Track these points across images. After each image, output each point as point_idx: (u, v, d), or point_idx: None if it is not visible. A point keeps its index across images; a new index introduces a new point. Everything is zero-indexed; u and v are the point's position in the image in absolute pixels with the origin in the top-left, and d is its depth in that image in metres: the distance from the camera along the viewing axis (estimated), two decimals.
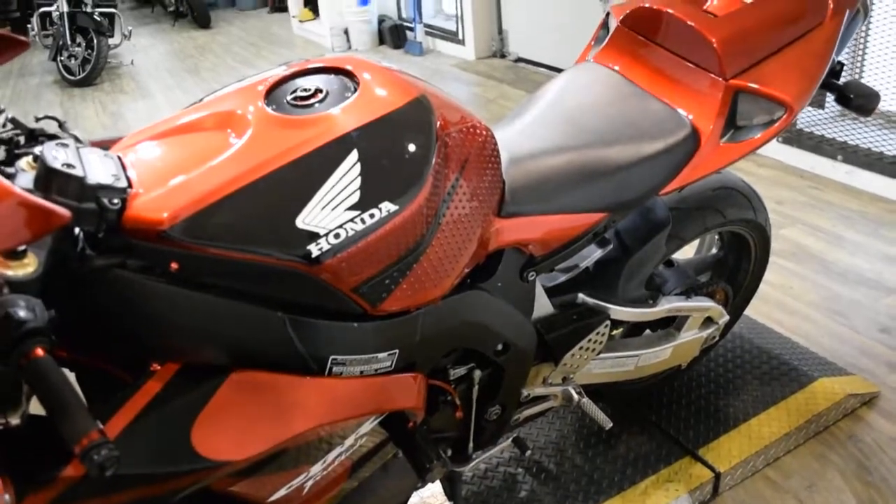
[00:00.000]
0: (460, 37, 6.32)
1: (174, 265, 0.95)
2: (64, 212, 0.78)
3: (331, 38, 7.23)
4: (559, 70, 5.47)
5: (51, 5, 6.76)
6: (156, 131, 1.09)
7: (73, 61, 6.70)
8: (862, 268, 2.76)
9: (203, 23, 9.15)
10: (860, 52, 3.33)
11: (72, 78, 6.73)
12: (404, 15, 7.15)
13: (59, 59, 6.74)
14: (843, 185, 3.39)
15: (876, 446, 1.97)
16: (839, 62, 1.59)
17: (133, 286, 0.94)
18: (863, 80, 3.34)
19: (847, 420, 2.06)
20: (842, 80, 1.59)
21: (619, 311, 1.57)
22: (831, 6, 1.49)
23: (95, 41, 6.60)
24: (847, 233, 3.01)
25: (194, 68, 7.10)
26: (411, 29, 6.82)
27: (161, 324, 0.96)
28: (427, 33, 6.76)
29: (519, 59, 5.98)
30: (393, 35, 6.99)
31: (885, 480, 1.86)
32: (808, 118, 3.53)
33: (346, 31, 7.20)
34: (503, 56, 6.17)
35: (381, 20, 7.17)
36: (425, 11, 6.74)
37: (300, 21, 8.11)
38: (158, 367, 0.98)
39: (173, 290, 0.96)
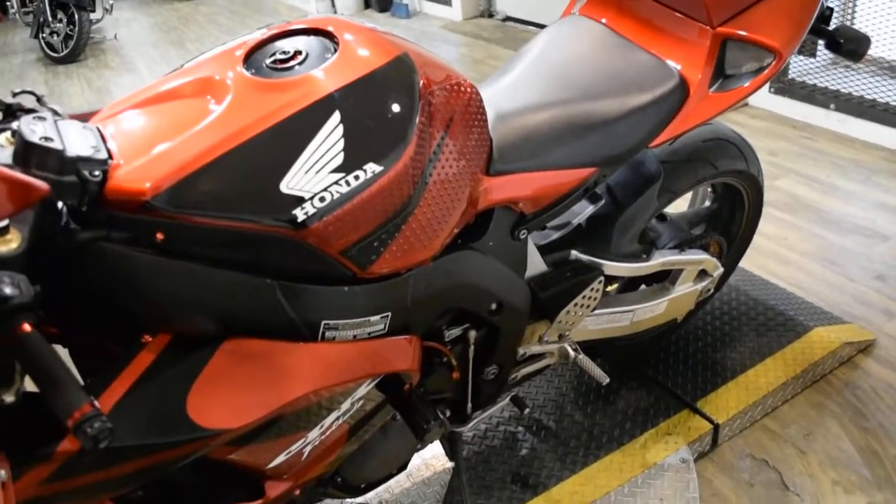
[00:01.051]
0: None
1: (159, 235, 0.94)
2: (42, 184, 0.77)
3: (315, 4, 7.14)
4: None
5: None
6: (135, 101, 1.07)
7: (55, 38, 6.59)
8: (856, 216, 2.76)
9: None
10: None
11: (55, 55, 6.63)
12: None
13: (40, 36, 6.63)
14: (835, 134, 3.37)
15: (872, 393, 1.98)
16: (828, 7, 1.56)
17: (119, 258, 0.93)
18: (854, 26, 3.31)
19: (844, 368, 2.08)
20: (832, 25, 1.57)
21: (612, 267, 1.56)
22: None
23: (77, 16, 6.48)
24: (840, 181, 3.00)
25: (178, 40, 7.00)
26: None
27: (149, 295, 0.96)
28: None
29: (507, 18, 5.90)
30: None
31: (882, 426, 1.88)
32: (799, 67, 3.49)
33: None
34: (491, 16, 6.09)
35: None
36: None
37: None
38: (150, 339, 0.98)
39: (160, 261, 0.95)
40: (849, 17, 3.33)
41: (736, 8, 1.39)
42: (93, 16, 6.78)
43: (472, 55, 5.27)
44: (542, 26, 5.40)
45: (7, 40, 7.65)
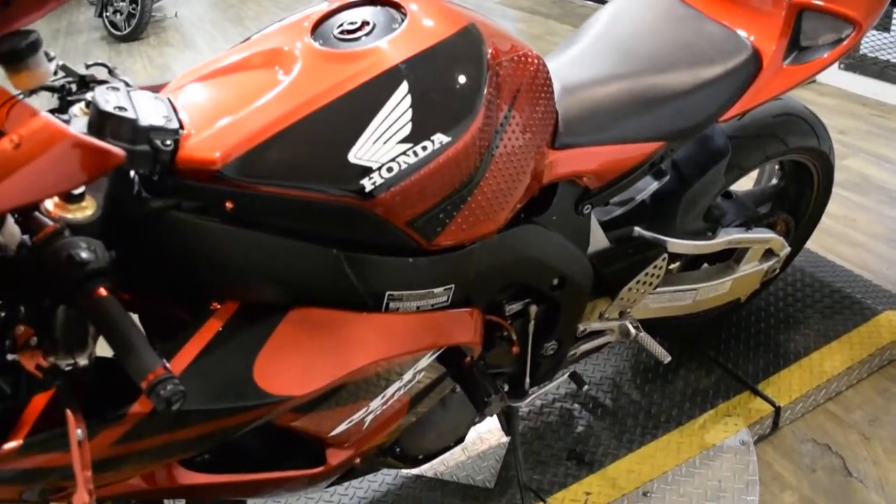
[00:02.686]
0: None
1: (229, 204, 0.95)
2: (119, 151, 0.78)
3: None
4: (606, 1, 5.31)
5: None
6: (204, 72, 1.08)
7: (118, 17, 6.72)
8: None
9: None
10: None
11: (118, 33, 6.77)
12: None
13: (104, 15, 6.77)
14: None
15: None
16: None
17: (189, 227, 0.95)
18: None
19: None
20: None
21: (676, 245, 1.53)
22: None
23: None
24: None
25: (237, 18, 7.07)
26: None
27: (218, 263, 0.97)
28: None
29: None
30: None
31: None
32: (872, 42, 3.36)
33: None
34: None
35: None
36: None
37: None
38: (218, 307, 0.99)
39: (229, 230, 0.96)
40: None
41: None
42: None
43: (529, 31, 5.21)
44: (600, 1, 5.31)
45: (72, 19, 7.83)
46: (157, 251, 0.97)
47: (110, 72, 1.12)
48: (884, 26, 3.26)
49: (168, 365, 0.77)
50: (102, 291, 0.80)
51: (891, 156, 2.94)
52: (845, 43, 1.37)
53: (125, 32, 6.73)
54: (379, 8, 1.12)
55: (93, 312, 0.80)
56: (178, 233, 0.95)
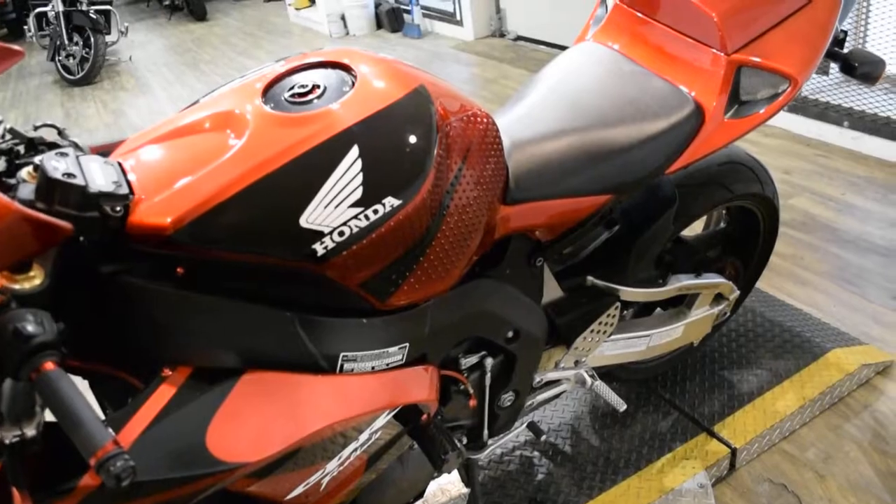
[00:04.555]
0: (458, 17, 6.27)
1: (180, 269, 0.95)
2: (66, 225, 0.78)
3: (328, 25, 7.19)
4: (559, 47, 5.43)
5: (46, 5, 6.73)
6: (155, 135, 1.08)
7: (71, 60, 6.68)
8: (873, 235, 2.74)
9: (199, 15, 9.09)
10: (863, 18, 3.29)
11: (71, 77, 6.72)
12: None
13: (57, 58, 6.72)
14: (850, 152, 3.36)
15: (892, 415, 1.96)
16: (843, 31, 1.56)
17: (140, 292, 0.94)
18: (867, 47, 3.30)
19: (862, 390, 2.06)
20: (846, 49, 1.57)
21: (629, 292, 1.56)
22: None
23: (92, 39, 6.58)
24: (856, 200, 2.98)
25: (193, 62, 7.07)
26: (408, 12, 6.77)
27: (170, 328, 0.96)
28: (424, 15, 6.71)
29: (518, 38, 5.93)
30: (390, 18, 6.93)
31: None
32: (812, 85, 3.49)
33: (342, 17, 7.15)
34: (502, 35, 6.12)
35: (377, 4, 7.11)
36: None
37: (296, 9, 8.05)
38: (170, 372, 0.98)
39: (180, 294, 0.96)
40: (861, 37, 3.32)
41: (750, 34, 1.39)
42: (108, 38, 6.88)
43: (484, 75, 5.30)
44: (553, 45, 5.43)
45: (24, 63, 7.75)
46: (107, 316, 0.96)
47: (60, 133, 1.11)
48: (823, 70, 3.39)
49: (117, 439, 0.76)
50: (50, 365, 0.78)
51: (834, 195, 3.04)
52: (782, 98, 1.43)
53: (78, 76, 6.68)
54: (330, 70, 1.13)
55: (39, 387, 0.79)
56: (128, 298, 0.94)
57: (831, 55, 1.54)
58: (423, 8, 6.68)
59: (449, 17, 6.42)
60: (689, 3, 1.41)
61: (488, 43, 6.07)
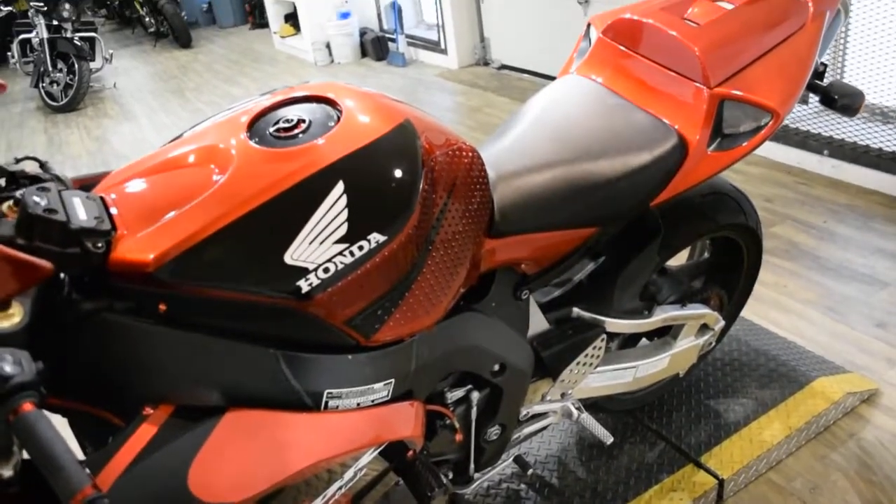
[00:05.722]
0: (442, 46, 6.32)
1: (162, 306, 0.94)
2: (46, 264, 0.77)
3: (313, 53, 7.22)
4: (543, 76, 5.48)
5: (30, 32, 6.73)
6: (138, 169, 1.07)
7: (55, 87, 6.67)
8: (855, 262, 2.76)
9: (184, 42, 9.12)
10: (841, 51, 3.34)
11: (55, 104, 6.70)
12: (385, 27, 7.15)
13: (41, 85, 6.70)
14: (830, 180, 3.40)
15: (878, 444, 1.96)
16: (822, 63, 1.58)
17: (121, 329, 0.93)
18: (845, 78, 3.35)
19: (847, 419, 2.06)
20: (825, 81, 1.59)
21: (614, 324, 1.56)
22: (812, 9, 1.49)
23: (77, 66, 6.58)
24: (838, 227, 3.01)
25: (178, 89, 7.07)
26: (393, 40, 6.82)
27: (151, 366, 0.95)
28: (409, 44, 6.76)
29: (502, 67, 5.98)
30: (375, 47, 6.98)
31: (889, 478, 1.86)
32: (793, 114, 3.53)
33: (327, 45, 7.20)
34: (486, 64, 6.17)
35: (362, 32, 7.16)
36: (406, 22, 6.74)
37: (281, 37, 8.10)
38: (152, 411, 0.96)
39: (163, 332, 0.94)
40: (839, 69, 3.38)
41: (733, 68, 1.41)
42: (92, 65, 6.89)
43: (468, 103, 5.33)
44: (537, 74, 5.48)
45: (7, 89, 7.72)
46: (87, 354, 0.94)
47: (42, 165, 1.10)
48: (803, 100, 3.43)
49: (97, 481, 0.74)
50: (28, 406, 0.77)
51: (816, 222, 3.07)
52: (764, 131, 1.44)
53: (62, 103, 6.67)
54: (315, 105, 1.13)
55: (17, 429, 0.77)
56: (109, 335, 0.93)
57: (812, 87, 1.56)
58: (408, 37, 6.74)
59: (433, 46, 6.47)
60: (672, 38, 1.43)
61: (473, 71, 6.12)
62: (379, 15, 7.18)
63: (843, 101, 1.54)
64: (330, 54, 7.22)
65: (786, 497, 1.84)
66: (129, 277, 0.92)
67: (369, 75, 6.54)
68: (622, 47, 1.55)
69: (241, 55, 8.30)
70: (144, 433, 0.94)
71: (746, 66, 1.42)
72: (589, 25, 1.64)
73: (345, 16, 7.03)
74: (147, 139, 5.58)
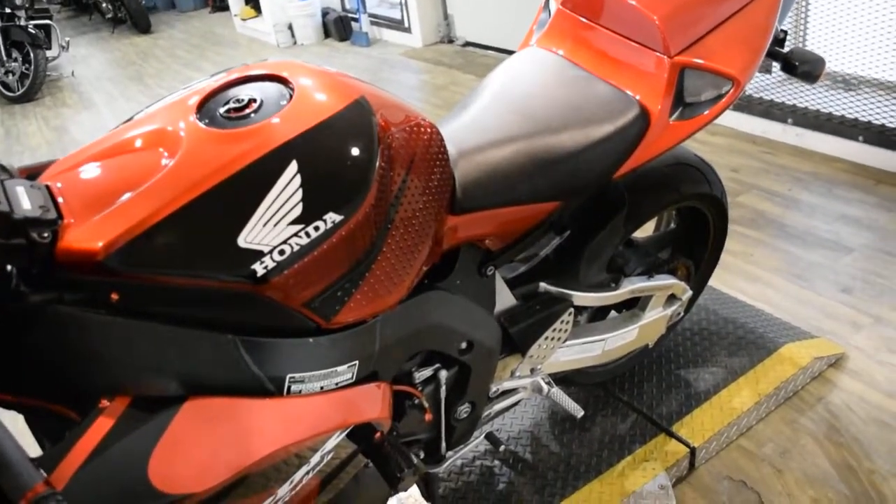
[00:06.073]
0: (406, 24, 6.26)
1: (114, 296, 0.91)
2: None
3: (275, 35, 7.12)
4: (508, 51, 5.44)
5: None
6: (85, 155, 1.03)
7: (10, 77, 6.50)
8: (820, 229, 2.79)
9: (143, 27, 8.93)
10: (802, 18, 3.36)
11: (11, 94, 6.53)
12: (348, 6, 7.06)
13: None
14: (794, 148, 3.42)
15: (845, 407, 1.99)
16: (783, 30, 1.58)
17: (73, 321, 0.90)
18: (806, 46, 3.37)
19: (815, 383, 2.09)
20: (786, 48, 1.59)
21: (582, 297, 1.55)
22: None
23: (32, 55, 6.41)
24: (802, 195, 3.04)
25: (137, 75, 6.93)
26: (356, 20, 6.74)
27: (106, 357, 0.92)
28: (372, 23, 6.68)
29: (467, 44, 5.94)
30: (338, 27, 6.89)
31: (857, 440, 1.89)
32: (756, 84, 3.55)
33: (290, 27, 7.09)
34: (451, 41, 6.13)
35: (324, 13, 7.06)
36: (369, 1, 6.66)
37: (242, 19, 7.96)
38: (108, 403, 0.94)
39: (116, 321, 0.91)
40: (801, 36, 3.39)
41: (692, 37, 1.40)
42: (49, 53, 6.72)
43: (434, 81, 5.29)
44: (501, 50, 5.46)
45: None
46: (39, 347, 0.91)
47: None
48: (766, 69, 3.45)
49: (51, 479, 0.72)
50: None
51: (781, 191, 3.09)
52: (725, 99, 1.43)
53: (19, 93, 6.51)
54: (266, 83, 1.10)
55: None
56: (60, 327, 0.90)
57: (772, 55, 1.56)
58: (371, 16, 6.66)
59: (397, 25, 6.41)
60: (631, 7, 1.41)
61: (437, 49, 6.07)
62: None
63: (803, 67, 1.54)
64: (292, 36, 7.12)
65: (757, 462, 1.86)
66: (79, 267, 0.89)
67: (333, 56, 6.46)
68: (582, 18, 1.53)
69: (202, 39, 8.16)
70: (101, 426, 0.92)
71: (706, 35, 1.41)
72: None
73: None
74: (107, 127, 5.43)
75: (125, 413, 0.93)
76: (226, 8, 8.85)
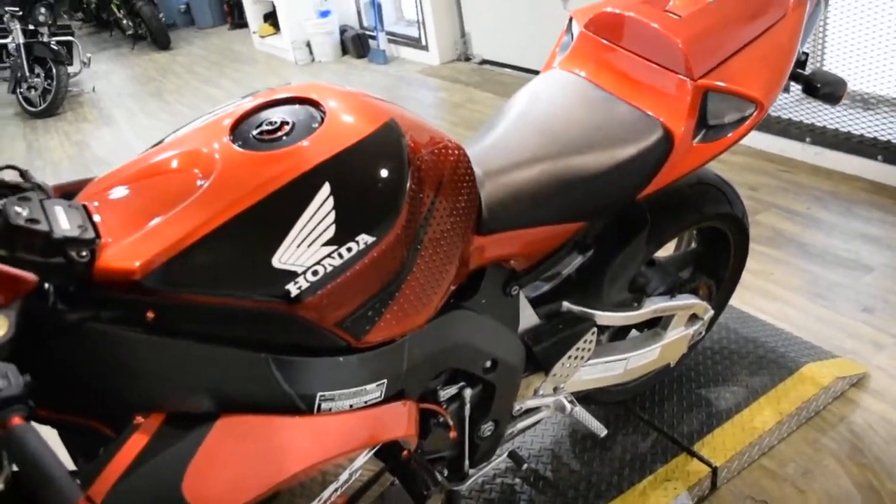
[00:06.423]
0: (423, 42, 6.31)
1: (150, 314, 0.93)
2: (30, 276, 0.76)
3: (293, 52, 7.19)
4: (525, 70, 5.47)
5: (6, 37, 6.65)
6: (121, 176, 1.06)
7: (32, 92, 6.59)
8: (839, 248, 2.78)
9: (163, 44, 9.04)
10: (820, 39, 3.36)
11: (33, 109, 6.62)
12: (365, 24, 7.12)
13: (18, 91, 6.63)
14: (813, 167, 3.42)
15: (868, 427, 1.98)
16: (804, 52, 1.59)
17: (109, 339, 0.92)
18: (825, 66, 3.37)
19: (837, 403, 2.07)
20: (808, 70, 1.60)
21: (604, 317, 1.56)
22: None
23: (54, 71, 6.51)
24: (821, 214, 3.03)
25: (157, 91, 7.01)
26: (374, 37, 6.80)
27: (141, 375, 0.94)
28: (390, 41, 6.74)
29: (484, 62, 5.97)
30: (356, 45, 6.95)
31: (879, 460, 1.88)
32: (774, 103, 3.54)
33: (308, 44, 7.16)
34: (468, 59, 6.16)
35: (342, 30, 7.13)
36: (386, 19, 6.72)
37: (261, 36, 8.05)
38: (142, 420, 0.96)
39: (151, 340, 0.93)
40: (819, 55, 3.39)
41: (715, 60, 1.41)
42: (70, 69, 6.82)
43: (451, 99, 5.32)
44: (518, 68, 5.48)
45: None
46: (76, 364, 0.93)
47: (22, 175, 1.08)
48: (784, 88, 3.44)
49: (91, 493, 0.74)
50: (16, 420, 0.76)
51: (800, 209, 3.09)
52: (749, 121, 1.44)
53: (41, 108, 6.60)
54: (298, 106, 1.12)
55: (6, 443, 0.76)
56: (97, 345, 0.92)
57: (794, 77, 1.57)
58: (389, 34, 6.71)
59: (414, 43, 6.46)
60: (654, 30, 1.43)
61: (454, 67, 6.11)
62: (359, 12, 7.15)
63: (825, 89, 1.55)
64: (310, 53, 7.19)
65: (779, 482, 1.85)
66: (116, 286, 0.91)
67: (351, 73, 6.51)
68: (605, 41, 1.55)
69: (221, 56, 8.25)
70: (136, 443, 0.93)
71: (729, 57, 1.42)
72: (571, 19, 1.64)
73: (324, 14, 7.00)
74: (128, 143, 5.54)
75: (159, 430, 0.95)
76: (244, 25, 8.94)
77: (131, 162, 1.09)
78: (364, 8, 7.04)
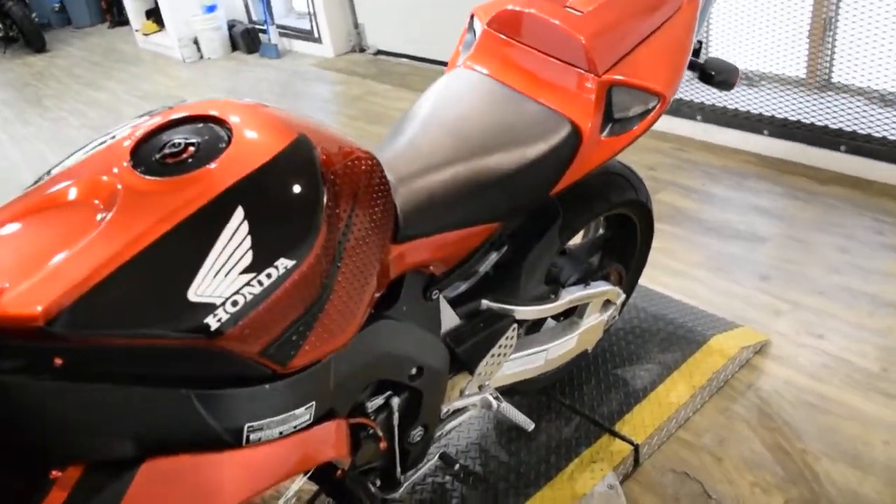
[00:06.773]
0: (316, 35, 6.19)
1: (58, 360, 0.86)
2: None
3: (180, 50, 6.92)
4: (420, 59, 5.45)
5: None
6: (11, 212, 0.98)
7: None
8: (734, 221, 2.91)
9: (38, 46, 8.52)
10: (704, 26, 3.49)
11: None
12: (255, 18, 6.93)
13: None
14: (703, 143, 3.56)
15: (773, 392, 2.09)
16: (698, 41, 1.64)
17: (14, 390, 0.85)
18: (710, 47, 3.51)
19: (744, 371, 2.17)
20: (701, 58, 1.65)
21: (524, 311, 1.57)
22: None
23: None
24: (716, 189, 3.16)
25: (35, 97, 6.61)
26: (264, 31, 6.62)
27: (53, 425, 0.88)
28: (281, 34, 6.58)
29: (379, 52, 5.92)
30: (245, 40, 6.75)
31: (787, 423, 1.98)
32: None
33: (195, 41, 6.91)
34: (363, 50, 6.09)
35: (231, 25, 6.91)
36: (276, 11, 6.55)
37: (144, 34, 7.71)
38: (59, 474, 0.90)
39: (61, 387, 0.87)
40: (705, 37, 3.52)
41: (618, 55, 1.43)
42: None
43: (349, 92, 5.24)
44: (414, 58, 5.46)
45: None
46: None
47: None
48: None
49: None
50: None
51: (695, 186, 3.21)
52: (652, 114, 1.48)
53: None
54: (201, 125, 1.06)
55: None
56: (1, 397, 0.85)
57: (690, 66, 1.61)
58: (280, 27, 6.55)
59: (306, 35, 6.33)
60: (557, 27, 1.44)
61: (349, 59, 6.03)
62: (247, 6, 6.95)
63: (720, 76, 1.60)
64: (199, 50, 6.94)
65: (697, 452, 1.93)
66: (18, 333, 0.84)
67: (242, 69, 6.32)
68: (508, 38, 1.55)
69: (103, 56, 7.85)
70: (54, 501, 0.87)
71: (630, 52, 1.45)
72: (472, 17, 1.63)
73: (211, 9, 6.77)
74: (6, 154, 5.20)
75: (79, 483, 0.89)
76: (125, 23, 8.53)
77: (23, 195, 1.01)
78: (252, 1, 6.85)
